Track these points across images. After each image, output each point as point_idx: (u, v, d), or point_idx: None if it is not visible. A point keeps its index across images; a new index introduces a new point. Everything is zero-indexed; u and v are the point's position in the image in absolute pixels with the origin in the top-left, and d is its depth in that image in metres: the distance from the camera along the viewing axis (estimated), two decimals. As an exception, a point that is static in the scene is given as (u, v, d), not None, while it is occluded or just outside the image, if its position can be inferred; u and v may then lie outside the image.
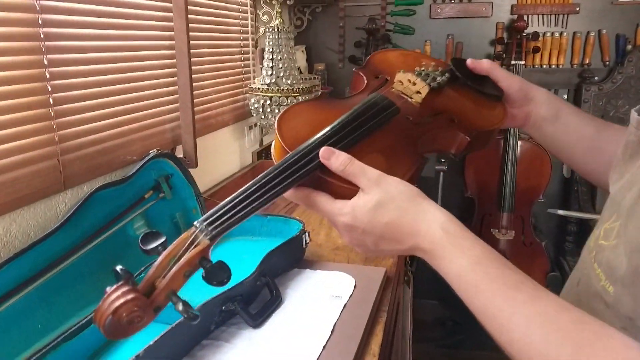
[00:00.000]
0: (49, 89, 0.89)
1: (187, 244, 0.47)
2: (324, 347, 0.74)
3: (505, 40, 2.18)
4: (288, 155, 0.55)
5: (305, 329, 0.79)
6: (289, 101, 1.50)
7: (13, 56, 0.82)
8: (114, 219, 0.93)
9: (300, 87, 1.52)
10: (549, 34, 2.23)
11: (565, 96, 2.28)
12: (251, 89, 1.55)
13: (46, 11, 0.88)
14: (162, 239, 0.48)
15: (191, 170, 1.11)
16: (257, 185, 0.52)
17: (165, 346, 0.67)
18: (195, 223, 0.49)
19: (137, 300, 0.43)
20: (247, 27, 1.77)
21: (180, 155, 1.27)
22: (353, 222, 0.53)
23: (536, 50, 2.15)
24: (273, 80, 1.52)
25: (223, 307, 0.79)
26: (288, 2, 1.77)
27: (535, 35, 2.12)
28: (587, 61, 2.22)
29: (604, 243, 0.55)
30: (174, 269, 0.46)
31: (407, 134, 0.64)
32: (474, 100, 0.75)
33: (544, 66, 2.27)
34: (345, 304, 0.85)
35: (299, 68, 2.01)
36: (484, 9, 2.28)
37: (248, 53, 1.79)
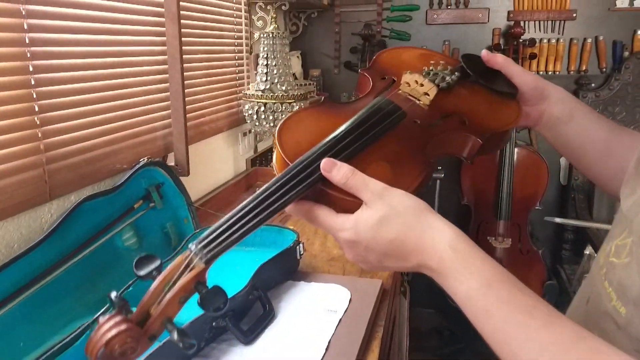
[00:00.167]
0: (34, 96, 0.86)
1: (182, 268, 0.46)
2: (318, 365, 0.71)
3: (502, 47, 2.18)
4: (288, 168, 0.52)
5: (299, 346, 0.77)
6: (284, 107, 1.48)
7: (-4, 62, 0.79)
8: (102, 230, 0.90)
9: (295, 93, 1.50)
10: (545, 40, 2.22)
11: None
12: (245, 95, 1.53)
13: (32, 16, 0.85)
14: (157, 263, 0.46)
15: (183, 179, 1.09)
16: (256, 201, 0.49)
17: (153, 366, 0.64)
18: (190, 246, 0.47)
19: (130, 331, 0.41)
20: (242, 32, 1.75)
21: (171, 163, 1.25)
22: (356, 237, 0.50)
23: (533, 56, 2.14)
24: (268, 87, 1.50)
25: (213, 324, 0.76)
26: (283, 7, 1.75)
27: (532, 42, 2.12)
28: (583, 68, 2.22)
29: (615, 260, 0.53)
30: (168, 295, 0.44)
31: (415, 138, 0.61)
32: (487, 99, 0.70)
33: (541, 72, 2.25)
34: (340, 319, 0.83)
35: (294, 74, 1.99)
36: (480, 15, 2.27)
37: (242, 59, 1.77)
